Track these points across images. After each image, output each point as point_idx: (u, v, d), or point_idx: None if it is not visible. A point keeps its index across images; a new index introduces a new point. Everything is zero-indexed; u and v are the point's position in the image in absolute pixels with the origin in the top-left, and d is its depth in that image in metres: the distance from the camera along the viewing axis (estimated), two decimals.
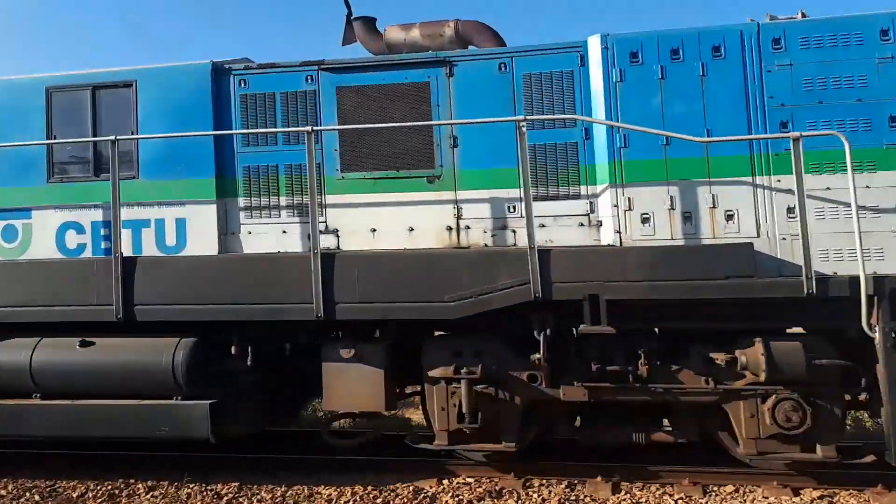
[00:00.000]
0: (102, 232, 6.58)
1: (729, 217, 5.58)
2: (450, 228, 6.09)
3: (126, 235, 6.41)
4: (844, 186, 5.07)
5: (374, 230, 6.17)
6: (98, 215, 6.63)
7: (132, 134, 6.55)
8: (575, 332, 5.41)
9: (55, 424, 6.14)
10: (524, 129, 5.48)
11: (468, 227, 6.05)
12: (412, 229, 6.12)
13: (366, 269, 5.63)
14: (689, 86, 5.70)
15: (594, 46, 5.91)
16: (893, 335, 4.96)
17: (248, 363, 5.98)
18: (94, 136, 6.55)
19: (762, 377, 5.21)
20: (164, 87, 6.57)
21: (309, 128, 5.91)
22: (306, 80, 6.42)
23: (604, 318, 5.16)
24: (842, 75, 5.51)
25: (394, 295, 5.56)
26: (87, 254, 6.59)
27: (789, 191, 5.32)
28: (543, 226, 5.90)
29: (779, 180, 5.50)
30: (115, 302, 5.92)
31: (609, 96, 5.80)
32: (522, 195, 5.65)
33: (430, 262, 5.63)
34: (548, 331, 5.41)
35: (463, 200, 6.11)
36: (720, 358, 5.37)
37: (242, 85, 6.54)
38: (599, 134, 5.90)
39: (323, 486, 6.01)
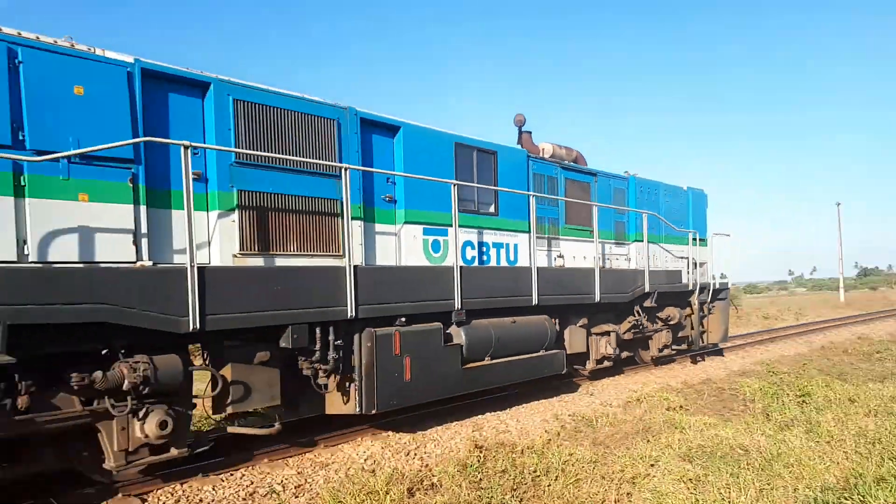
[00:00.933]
0: (482, 248, 10.11)
1: None
2: None
3: (493, 252, 10.30)
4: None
5: None
6: (478, 236, 10.06)
7: (495, 187, 10.31)
8: None
9: (499, 377, 9.58)
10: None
11: None
12: None
13: None
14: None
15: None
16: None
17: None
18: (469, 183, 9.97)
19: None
20: (507, 162, 10.66)
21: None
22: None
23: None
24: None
25: None
26: (476, 263, 9.94)
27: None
28: None
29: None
30: (456, 297, 9.18)
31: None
32: None
33: None
34: None
35: None
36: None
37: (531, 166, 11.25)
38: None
39: None
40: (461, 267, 9.24)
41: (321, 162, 7.80)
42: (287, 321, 6.99)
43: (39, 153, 5.45)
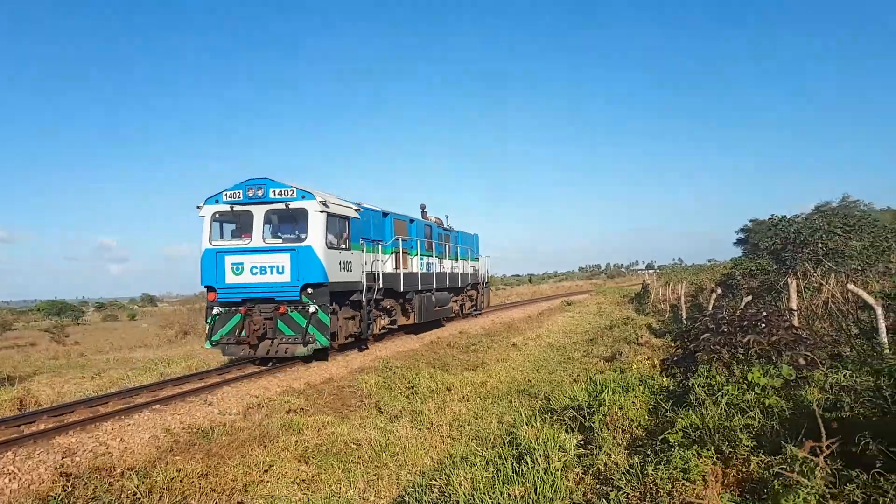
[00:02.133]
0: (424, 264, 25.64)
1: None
2: None
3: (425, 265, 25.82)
4: None
5: None
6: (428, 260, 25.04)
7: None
8: None
9: (436, 313, 22.99)
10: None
11: None
12: None
13: None
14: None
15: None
16: None
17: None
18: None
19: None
20: (419, 225, 22.69)
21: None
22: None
23: None
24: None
25: None
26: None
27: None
28: None
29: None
30: (429, 284, 23.76)
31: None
32: None
33: None
34: None
35: None
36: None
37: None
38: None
39: None
40: (422, 273, 21.18)
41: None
42: (411, 289, 19.76)
43: (372, 241, 17.32)
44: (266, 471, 8.05)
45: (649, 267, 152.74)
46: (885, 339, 7.79)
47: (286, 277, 13.95)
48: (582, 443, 7.25)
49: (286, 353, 13.97)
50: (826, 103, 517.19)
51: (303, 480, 7.88)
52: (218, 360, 17.31)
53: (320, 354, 15.33)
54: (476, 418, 10.36)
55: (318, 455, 8.67)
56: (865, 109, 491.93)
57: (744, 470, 5.06)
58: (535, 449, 6.79)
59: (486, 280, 30.89)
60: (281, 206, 14.22)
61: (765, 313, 8.02)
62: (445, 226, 24.93)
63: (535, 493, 5.82)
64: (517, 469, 6.45)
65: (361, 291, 15.98)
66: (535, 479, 6.05)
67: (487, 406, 11.10)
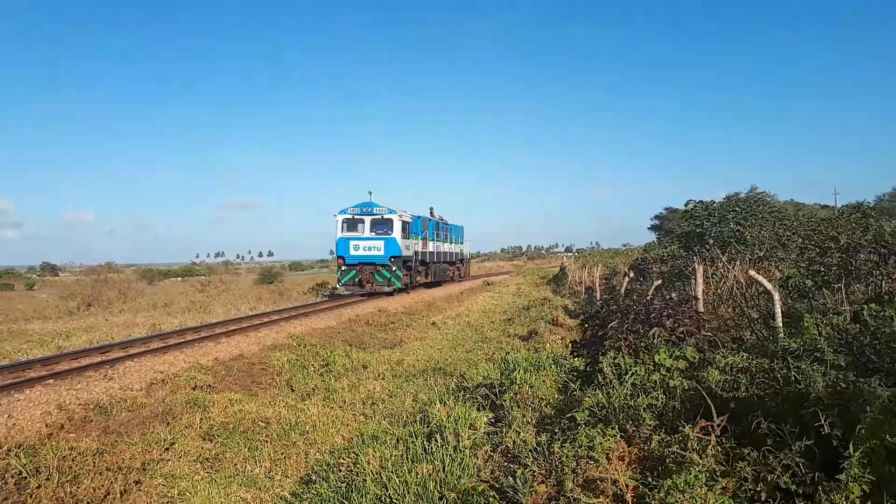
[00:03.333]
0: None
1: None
2: None
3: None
4: None
5: None
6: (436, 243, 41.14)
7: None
8: None
9: (441, 276, 38.02)
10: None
11: None
12: None
13: None
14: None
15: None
16: None
17: None
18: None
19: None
20: (432, 222, 34.67)
21: None
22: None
23: None
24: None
25: None
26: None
27: None
28: None
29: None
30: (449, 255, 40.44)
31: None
32: None
33: None
34: None
35: None
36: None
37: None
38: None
39: None
40: (436, 251, 34.63)
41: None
42: (431, 261, 33.55)
43: (413, 233, 29.56)
44: (167, 449, 7.72)
45: (568, 250, 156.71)
46: (780, 324, 8.17)
47: (381, 252, 27.20)
48: (493, 421, 7.30)
49: (378, 290, 27.23)
50: (741, 101, 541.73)
51: (206, 459, 7.61)
52: (122, 335, 16.53)
53: (399, 292, 28.32)
54: (390, 396, 10.29)
55: (224, 433, 8.39)
56: (775, 109, 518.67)
57: (645, 448, 5.19)
58: (445, 427, 6.79)
59: (468, 257, 48.37)
60: (379, 216, 27.47)
61: (669, 309, 8.20)
62: (444, 220, 37.46)
63: (444, 472, 5.80)
64: (427, 447, 6.42)
65: (411, 260, 29.29)
66: (444, 457, 6.03)
67: (402, 384, 11.04)
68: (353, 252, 27.20)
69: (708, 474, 4.19)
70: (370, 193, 28.98)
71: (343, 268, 27.41)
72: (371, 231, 27.43)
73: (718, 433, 4.59)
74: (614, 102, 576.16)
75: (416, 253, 29.57)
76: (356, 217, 27.79)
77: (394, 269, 27.17)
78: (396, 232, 27.28)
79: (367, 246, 27.13)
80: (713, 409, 4.74)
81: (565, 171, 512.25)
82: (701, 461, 4.27)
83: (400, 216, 27.49)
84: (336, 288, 29.94)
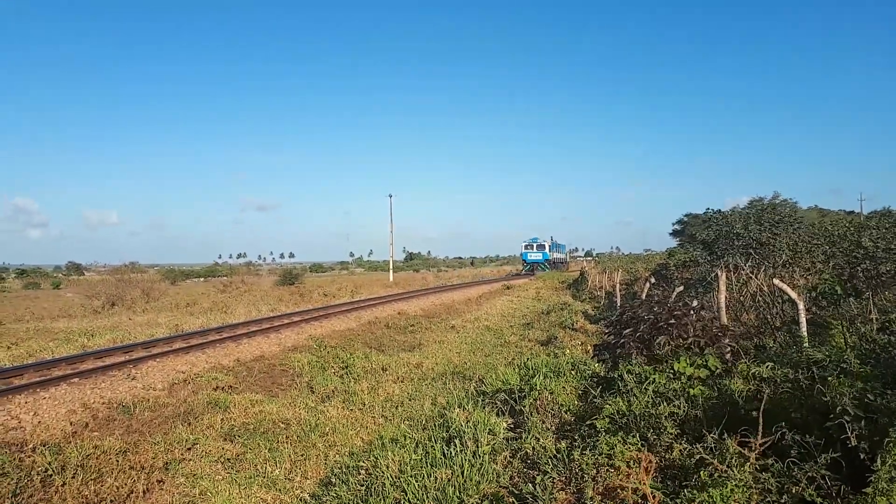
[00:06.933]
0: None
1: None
2: None
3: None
4: None
5: None
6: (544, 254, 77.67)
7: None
8: None
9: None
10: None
11: None
12: None
13: None
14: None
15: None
16: None
17: None
18: None
19: None
20: (550, 244, 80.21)
21: None
22: None
23: None
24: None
25: None
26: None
27: None
28: None
29: None
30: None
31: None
32: None
33: None
34: None
35: None
36: None
37: None
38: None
39: None
40: (556, 258, 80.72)
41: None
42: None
43: (547, 249, 75.73)
44: (189, 449, 7.80)
45: (588, 254, 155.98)
46: (805, 333, 8.06)
47: (541, 258, 71.21)
48: (512, 426, 7.28)
49: (536, 275, 59.63)
50: (762, 106, 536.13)
51: (227, 459, 7.67)
52: (145, 334, 16.74)
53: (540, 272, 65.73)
54: (410, 399, 10.31)
55: (245, 434, 8.47)
56: (799, 115, 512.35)
57: (667, 457, 5.14)
58: (464, 432, 6.78)
59: (567, 259, 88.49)
60: (538, 242, 72.75)
61: (686, 318, 8.07)
62: (556, 241, 79.01)
63: (463, 477, 5.79)
64: (446, 452, 6.42)
65: (549, 261, 71.91)
66: (463, 462, 6.03)
67: (422, 387, 11.06)
68: (529, 258, 71.23)
69: (745, 489, 4.14)
70: (536, 238, 73.32)
71: (526, 266, 71.07)
72: (536, 249, 71.19)
73: (760, 451, 4.51)
74: (634, 107, 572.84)
75: (549, 258, 71.02)
76: (529, 243, 71.86)
77: (545, 265, 69.28)
78: (547, 250, 71.30)
79: (534, 257, 70.84)
80: (761, 426, 4.66)
81: (584, 175, 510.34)
82: (738, 476, 4.21)
83: (544, 242, 72.45)
84: (521, 272, 70.37)
